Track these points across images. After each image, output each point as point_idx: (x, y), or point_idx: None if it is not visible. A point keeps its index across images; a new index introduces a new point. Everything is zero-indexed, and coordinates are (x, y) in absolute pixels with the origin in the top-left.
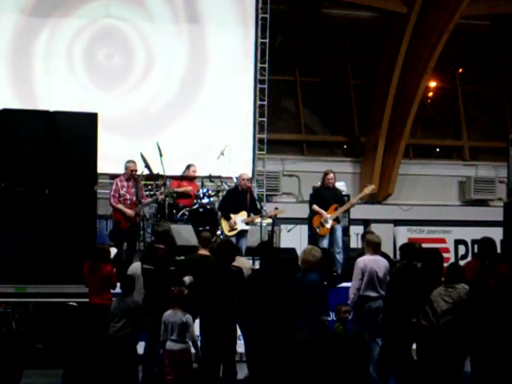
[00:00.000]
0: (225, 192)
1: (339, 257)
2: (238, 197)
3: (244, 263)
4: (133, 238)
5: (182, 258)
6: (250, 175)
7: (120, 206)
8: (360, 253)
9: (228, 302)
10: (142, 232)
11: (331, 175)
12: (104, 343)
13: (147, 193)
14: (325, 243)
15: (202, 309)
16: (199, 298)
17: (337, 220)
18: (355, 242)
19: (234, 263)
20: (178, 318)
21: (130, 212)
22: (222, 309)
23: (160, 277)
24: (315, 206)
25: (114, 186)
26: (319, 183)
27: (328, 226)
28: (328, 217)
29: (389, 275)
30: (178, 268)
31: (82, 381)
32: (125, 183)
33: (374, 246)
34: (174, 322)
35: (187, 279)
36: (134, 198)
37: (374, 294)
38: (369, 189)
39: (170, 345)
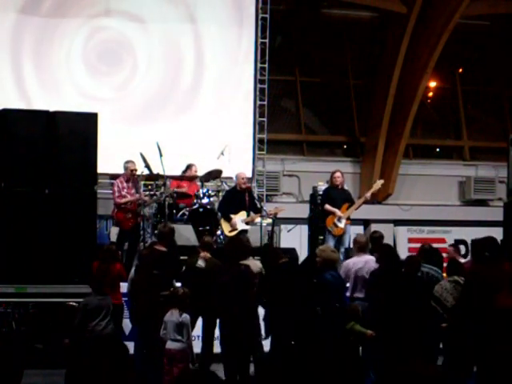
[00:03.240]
0: (224, 193)
1: (342, 256)
2: (237, 197)
3: (255, 264)
4: (134, 239)
5: (184, 258)
6: (247, 174)
7: (125, 200)
8: None
9: (242, 300)
10: (142, 232)
11: (338, 173)
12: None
13: (147, 193)
14: (332, 243)
15: (207, 309)
16: (202, 299)
17: (349, 219)
18: None
19: (246, 263)
20: (175, 318)
21: (134, 198)
22: (236, 307)
23: (144, 279)
24: (328, 206)
25: (115, 188)
26: (320, 183)
27: (341, 225)
28: (342, 216)
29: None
30: (180, 269)
31: (85, 380)
32: (125, 184)
33: (358, 246)
34: (171, 321)
35: (201, 262)
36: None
37: (361, 296)
38: (378, 184)
39: (168, 344)
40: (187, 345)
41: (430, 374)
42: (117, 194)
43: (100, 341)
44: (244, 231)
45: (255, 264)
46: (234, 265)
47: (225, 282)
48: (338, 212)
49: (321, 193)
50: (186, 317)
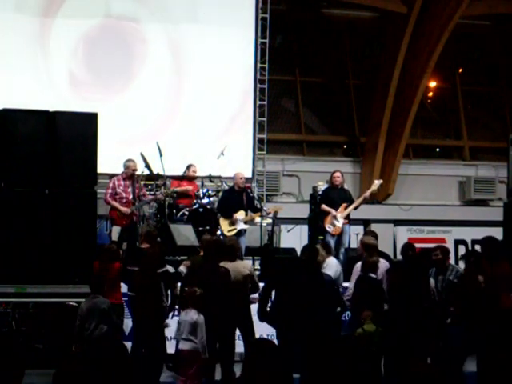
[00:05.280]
0: (222, 193)
1: (342, 256)
2: (235, 196)
3: (244, 266)
4: (132, 238)
5: (184, 258)
6: (247, 174)
7: (114, 203)
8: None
9: (219, 301)
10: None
11: (337, 174)
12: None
13: (148, 193)
14: (332, 242)
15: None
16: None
17: (348, 219)
18: (355, 242)
19: (236, 266)
20: (189, 318)
21: (124, 209)
22: (213, 307)
23: (147, 278)
24: (324, 206)
25: (110, 184)
26: (320, 183)
27: (339, 224)
28: (338, 215)
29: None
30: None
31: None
32: (122, 182)
33: (369, 249)
34: (185, 321)
35: (183, 268)
36: (131, 197)
37: None
38: (376, 184)
39: (180, 344)
40: (200, 345)
41: (431, 374)
42: (110, 191)
43: (92, 343)
44: (242, 230)
45: (244, 265)
46: (213, 265)
47: (202, 281)
48: (333, 212)
49: (320, 193)
50: (200, 317)
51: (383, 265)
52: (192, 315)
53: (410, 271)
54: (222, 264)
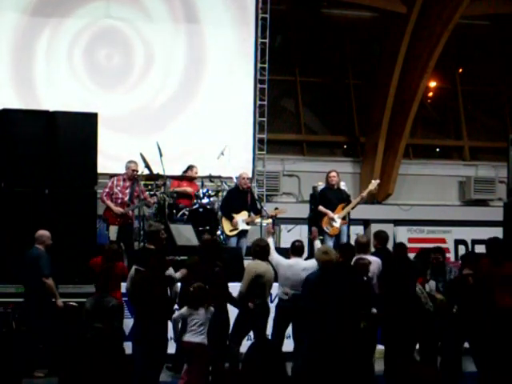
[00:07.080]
0: (225, 192)
1: None
2: (239, 196)
3: (267, 268)
4: (128, 238)
5: (184, 258)
6: (249, 174)
7: (108, 202)
8: None
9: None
10: (141, 232)
11: (333, 173)
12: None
13: (148, 193)
14: (331, 243)
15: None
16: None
17: (345, 219)
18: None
19: (254, 266)
20: (202, 315)
21: (116, 209)
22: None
23: (152, 279)
24: (321, 207)
25: (109, 184)
26: (319, 183)
27: (337, 225)
28: (335, 216)
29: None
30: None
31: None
32: (121, 183)
33: (360, 247)
34: (194, 317)
35: (179, 274)
36: (127, 199)
37: None
38: (373, 184)
39: (188, 336)
40: (206, 341)
41: (429, 376)
42: (107, 190)
43: (95, 342)
44: (244, 231)
45: (268, 268)
46: (209, 266)
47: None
48: (330, 213)
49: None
50: (208, 315)
51: (375, 264)
52: (203, 313)
53: (399, 276)
54: (256, 263)
